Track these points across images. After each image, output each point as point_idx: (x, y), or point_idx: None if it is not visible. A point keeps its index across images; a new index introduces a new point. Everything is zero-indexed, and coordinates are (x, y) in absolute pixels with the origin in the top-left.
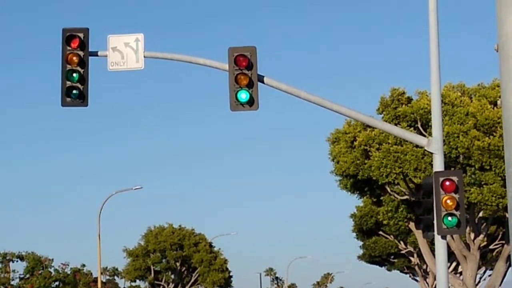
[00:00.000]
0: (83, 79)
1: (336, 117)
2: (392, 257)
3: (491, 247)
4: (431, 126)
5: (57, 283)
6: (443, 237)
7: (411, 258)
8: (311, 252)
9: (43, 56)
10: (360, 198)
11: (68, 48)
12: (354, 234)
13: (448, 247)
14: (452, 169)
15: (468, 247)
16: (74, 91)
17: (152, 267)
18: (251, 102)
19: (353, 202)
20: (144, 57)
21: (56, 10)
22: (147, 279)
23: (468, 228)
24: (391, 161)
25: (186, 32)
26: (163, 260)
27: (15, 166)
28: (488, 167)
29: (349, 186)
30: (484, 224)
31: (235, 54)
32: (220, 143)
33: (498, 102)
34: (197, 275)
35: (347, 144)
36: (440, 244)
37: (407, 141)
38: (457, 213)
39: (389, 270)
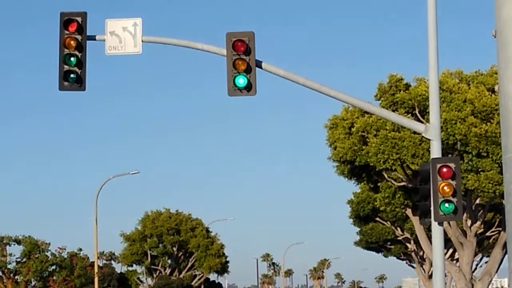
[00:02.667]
0: (80, 63)
1: (334, 103)
2: (389, 243)
3: (487, 234)
4: (428, 112)
5: (53, 267)
6: (440, 224)
7: (408, 245)
8: (308, 238)
9: (41, 39)
10: (358, 184)
11: (66, 32)
12: (351, 220)
13: (445, 233)
14: (450, 155)
15: (464, 234)
16: (72, 75)
17: (149, 252)
18: (249, 88)
19: (350, 188)
20: (142, 41)
21: None
22: (143, 263)
23: (465, 215)
24: (388, 147)
25: (184, 17)
26: (160, 245)
27: (14, 149)
28: (485, 154)
29: (346, 172)
30: (481, 211)
31: (233, 39)
32: (218, 129)
33: (496, 88)
34: (193, 260)
35: (345, 130)
36: (437, 231)
37: (404, 127)
38: (454, 199)
39: (385, 256)
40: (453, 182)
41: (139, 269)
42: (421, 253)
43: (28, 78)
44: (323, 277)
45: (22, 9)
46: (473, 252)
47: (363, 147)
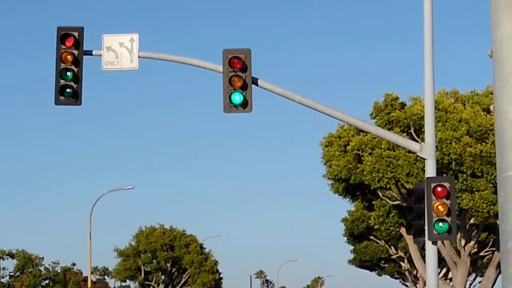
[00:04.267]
0: (77, 78)
1: (329, 121)
2: (383, 262)
3: (481, 253)
4: (424, 132)
5: (47, 281)
6: (434, 243)
7: (402, 263)
8: (302, 255)
9: (38, 54)
10: (352, 202)
11: (63, 46)
12: (345, 238)
13: (439, 253)
14: (444, 175)
15: (458, 253)
16: (68, 90)
17: (142, 268)
18: (244, 104)
19: (345, 206)
20: (139, 57)
21: (51, 9)
22: (137, 279)
23: (459, 235)
24: (383, 166)
25: (181, 33)
26: (154, 261)
27: (7, 164)
28: (480, 174)
29: (341, 190)
30: (475, 230)
31: (229, 56)
32: (213, 145)
33: (491, 108)
34: (187, 276)
35: (340, 148)
36: (430, 250)
37: (399, 146)
38: (448, 219)
39: (379, 275)
40: (448, 202)
41: (132, 284)
42: (414, 272)
43: (26, 94)
44: None
45: (18, 23)
46: (467, 272)
47: (358, 165)
